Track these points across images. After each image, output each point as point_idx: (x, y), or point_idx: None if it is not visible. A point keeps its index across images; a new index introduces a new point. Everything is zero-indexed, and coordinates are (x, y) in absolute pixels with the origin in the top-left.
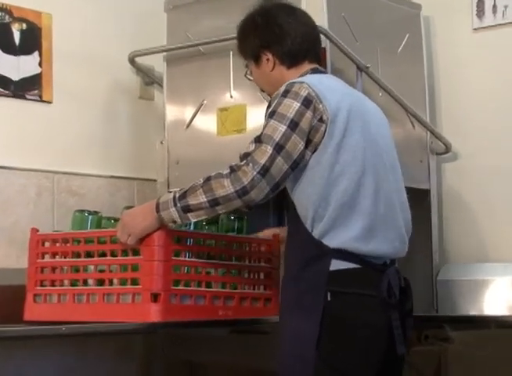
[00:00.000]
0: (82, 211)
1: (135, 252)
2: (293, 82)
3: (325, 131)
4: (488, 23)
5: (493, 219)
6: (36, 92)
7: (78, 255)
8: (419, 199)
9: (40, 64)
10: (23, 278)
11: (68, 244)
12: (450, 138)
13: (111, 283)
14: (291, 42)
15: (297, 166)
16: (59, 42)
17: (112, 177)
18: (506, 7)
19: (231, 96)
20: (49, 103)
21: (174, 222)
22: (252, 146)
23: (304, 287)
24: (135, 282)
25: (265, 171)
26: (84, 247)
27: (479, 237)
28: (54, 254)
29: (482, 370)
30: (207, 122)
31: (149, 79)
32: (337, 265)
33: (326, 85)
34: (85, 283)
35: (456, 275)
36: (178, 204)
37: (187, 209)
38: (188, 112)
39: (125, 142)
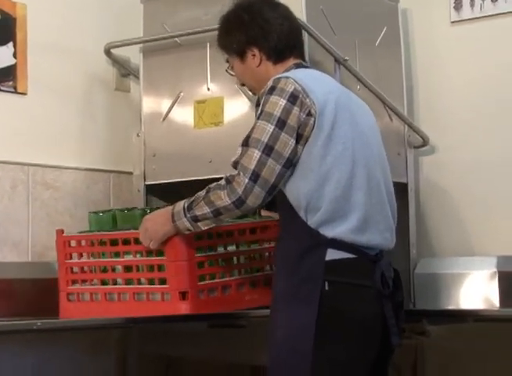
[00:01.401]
0: (96, 212)
1: (160, 253)
2: (279, 78)
3: (314, 124)
4: (466, 17)
5: (471, 213)
6: (10, 83)
7: (105, 255)
8: (396, 192)
9: (14, 55)
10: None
11: (95, 245)
12: (428, 131)
13: (140, 282)
14: (278, 38)
15: (292, 163)
16: (34, 33)
17: (88, 170)
18: (483, 0)
19: (208, 89)
20: (24, 94)
21: (189, 230)
22: (239, 151)
23: (301, 278)
24: (162, 281)
25: (255, 176)
26: (110, 248)
27: (457, 231)
28: (81, 255)
29: (459, 364)
30: (183, 115)
31: (125, 71)
32: (332, 254)
33: (311, 79)
34: (115, 281)
35: (433, 268)
36: (188, 215)
37: (195, 219)
38: (164, 104)
39: (101, 134)
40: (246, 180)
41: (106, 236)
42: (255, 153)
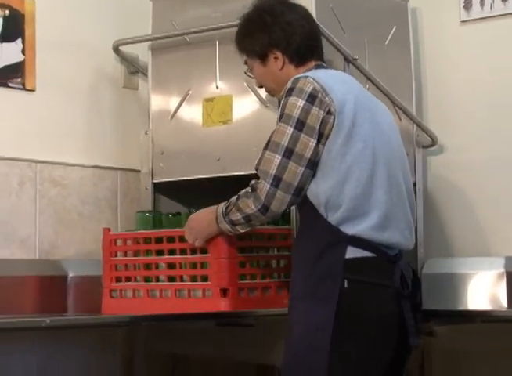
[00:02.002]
0: (143, 211)
1: (203, 251)
2: (298, 78)
3: (333, 122)
4: (475, 16)
5: (479, 213)
6: (19, 80)
7: (149, 253)
8: None
9: (23, 52)
10: (3, 269)
11: (140, 243)
12: (437, 131)
13: (182, 279)
14: (300, 40)
15: (314, 163)
16: (43, 30)
17: (95, 167)
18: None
19: (217, 87)
20: (32, 91)
21: (230, 231)
22: (259, 156)
23: (320, 275)
24: (204, 278)
25: (277, 181)
26: (155, 246)
27: (465, 231)
28: (125, 252)
29: (467, 365)
30: (192, 113)
31: (133, 68)
32: (352, 252)
33: (331, 78)
34: (157, 279)
35: (441, 269)
36: (226, 219)
37: (232, 223)
38: (173, 102)
39: (109, 131)
40: (268, 186)
41: (152, 235)
42: (275, 158)
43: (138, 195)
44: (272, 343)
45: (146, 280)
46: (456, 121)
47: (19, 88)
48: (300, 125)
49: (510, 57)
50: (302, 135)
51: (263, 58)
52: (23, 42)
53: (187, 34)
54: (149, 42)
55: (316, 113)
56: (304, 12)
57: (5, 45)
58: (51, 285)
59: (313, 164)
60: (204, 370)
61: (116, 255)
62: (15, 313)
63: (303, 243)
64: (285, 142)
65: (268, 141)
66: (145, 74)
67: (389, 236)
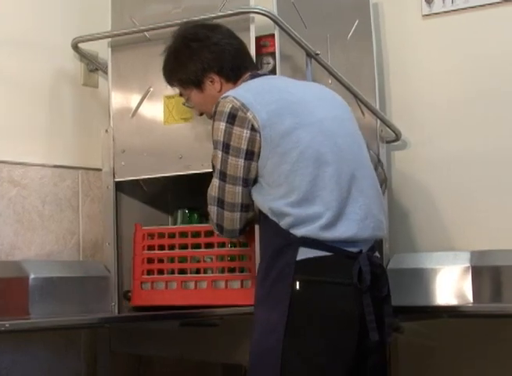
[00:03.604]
0: (182, 208)
1: (244, 244)
2: (220, 100)
3: (260, 139)
4: (437, 10)
5: (444, 208)
6: None
7: (185, 247)
8: None
9: None
10: None
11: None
12: (400, 125)
13: (219, 271)
14: (232, 57)
15: (250, 180)
16: None
17: (56, 166)
18: None
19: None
20: None
21: None
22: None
23: (274, 277)
24: (241, 270)
25: (220, 202)
26: (191, 240)
27: (430, 226)
28: (160, 246)
29: (433, 360)
30: (153, 110)
31: (93, 66)
32: (305, 253)
33: (255, 90)
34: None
35: (406, 264)
36: None
37: None
38: (134, 100)
39: (69, 130)
40: (215, 208)
41: (188, 229)
42: (215, 182)
43: (100, 194)
44: (237, 342)
45: (181, 272)
46: (420, 116)
47: None
48: (226, 148)
49: (471, 51)
50: (230, 157)
51: (199, 85)
52: None
53: (146, 30)
54: (109, 39)
55: (238, 133)
56: (226, 31)
57: None
58: (12, 287)
59: (248, 181)
60: (170, 371)
61: (147, 249)
62: None
63: (261, 247)
64: (218, 165)
65: (212, 166)
66: (104, 72)
67: (342, 231)
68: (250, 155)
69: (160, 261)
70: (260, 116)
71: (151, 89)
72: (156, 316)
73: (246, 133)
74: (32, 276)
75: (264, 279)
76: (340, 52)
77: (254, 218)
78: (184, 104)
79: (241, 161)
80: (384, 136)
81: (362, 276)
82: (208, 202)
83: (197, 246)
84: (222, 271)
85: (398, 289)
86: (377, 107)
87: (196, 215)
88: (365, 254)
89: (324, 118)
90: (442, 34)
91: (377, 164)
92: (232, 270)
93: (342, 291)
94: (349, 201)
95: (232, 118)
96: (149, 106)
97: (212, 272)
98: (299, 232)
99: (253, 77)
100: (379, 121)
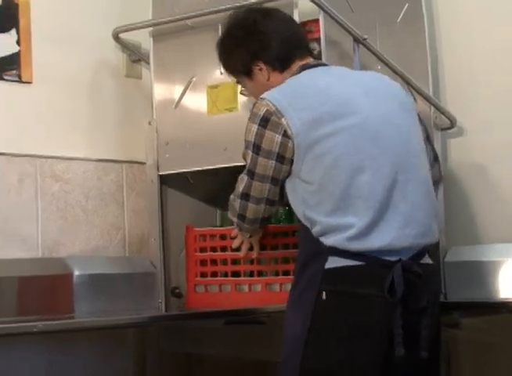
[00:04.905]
0: None
1: (296, 246)
2: (258, 100)
3: (293, 146)
4: None
5: (504, 197)
6: (14, 72)
7: (238, 248)
8: None
9: (18, 43)
10: (5, 269)
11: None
12: (455, 112)
13: (273, 273)
14: (278, 46)
15: (280, 180)
16: (38, 19)
17: (99, 160)
18: None
19: (221, 73)
20: (29, 83)
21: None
22: None
23: (304, 284)
24: None
25: (246, 196)
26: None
27: (489, 216)
28: (212, 248)
29: (493, 357)
30: (196, 101)
31: (135, 56)
32: (334, 262)
33: (293, 94)
34: (245, 274)
35: (464, 256)
36: None
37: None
38: (176, 90)
39: (112, 123)
40: (239, 200)
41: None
42: (244, 177)
43: (145, 188)
44: None
45: (234, 275)
46: (476, 101)
47: (14, 81)
48: (257, 149)
49: None
50: (260, 158)
51: (248, 73)
52: (18, 33)
53: (188, 18)
54: (150, 29)
55: (270, 136)
56: (279, 16)
57: None
58: (56, 284)
59: (277, 181)
60: (220, 370)
61: (200, 251)
62: (20, 315)
63: (298, 245)
64: (248, 163)
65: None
66: (147, 62)
67: (374, 241)
68: (281, 159)
69: (213, 262)
70: (293, 123)
71: (194, 79)
72: (204, 314)
73: (277, 138)
74: (77, 272)
75: (295, 284)
76: (390, 36)
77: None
78: (241, 92)
79: (271, 162)
80: (439, 123)
81: (394, 287)
82: (234, 193)
83: (249, 248)
84: (276, 273)
85: (456, 283)
86: (431, 93)
87: None
88: (401, 263)
89: (368, 117)
90: (499, 14)
91: (433, 162)
92: (286, 273)
93: (369, 303)
94: (388, 208)
95: (265, 121)
96: (193, 96)
97: (266, 275)
98: (327, 241)
99: (302, 68)
100: (433, 107)
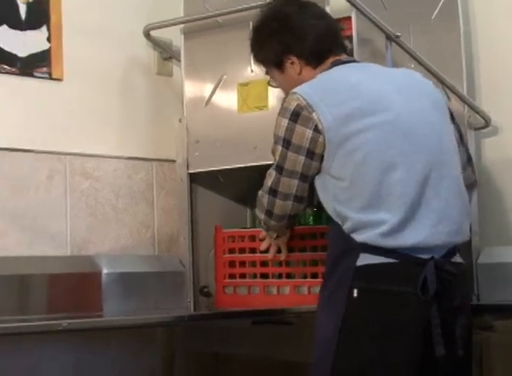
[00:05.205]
0: None
1: (324, 248)
2: (289, 94)
3: (324, 141)
4: None
5: None
6: (45, 69)
7: (266, 250)
8: None
9: (48, 39)
10: (34, 267)
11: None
12: (490, 111)
13: (302, 276)
14: (313, 40)
15: (310, 177)
16: (69, 16)
17: (129, 158)
18: None
19: (252, 70)
20: (60, 80)
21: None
22: None
23: (334, 283)
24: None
25: (273, 191)
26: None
27: None
28: (241, 249)
29: None
30: (227, 98)
31: (166, 54)
32: (366, 259)
33: (325, 89)
34: (273, 276)
35: (498, 258)
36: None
37: (265, 230)
38: (207, 88)
39: (142, 121)
40: (267, 195)
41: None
42: (273, 172)
43: (175, 186)
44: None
45: (263, 276)
46: (511, 100)
47: (45, 78)
48: (286, 144)
49: None
50: (289, 153)
51: (279, 65)
52: (49, 29)
53: (219, 15)
54: (181, 26)
55: (301, 131)
56: (315, 10)
57: (29, 32)
58: (85, 282)
59: (306, 177)
60: (248, 370)
61: (228, 252)
62: (49, 313)
63: (328, 242)
64: (276, 159)
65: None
66: (178, 60)
67: (408, 238)
68: (311, 154)
69: (242, 264)
70: (325, 118)
71: (224, 77)
72: (232, 313)
73: (308, 133)
74: (105, 271)
75: (325, 283)
76: (424, 34)
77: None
78: (269, 83)
79: (301, 158)
80: (473, 123)
81: (427, 285)
82: (262, 189)
83: (278, 250)
84: (305, 276)
85: (489, 285)
86: (465, 92)
87: None
88: (434, 261)
89: (400, 114)
90: None
91: (467, 163)
92: (314, 276)
93: (403, 300)
94: (421, 205)
95: (295, 116)
96: (223, 94)
97: (294, 277)
98: (360, 237)
99: (334, 64)
100: (466, 106)
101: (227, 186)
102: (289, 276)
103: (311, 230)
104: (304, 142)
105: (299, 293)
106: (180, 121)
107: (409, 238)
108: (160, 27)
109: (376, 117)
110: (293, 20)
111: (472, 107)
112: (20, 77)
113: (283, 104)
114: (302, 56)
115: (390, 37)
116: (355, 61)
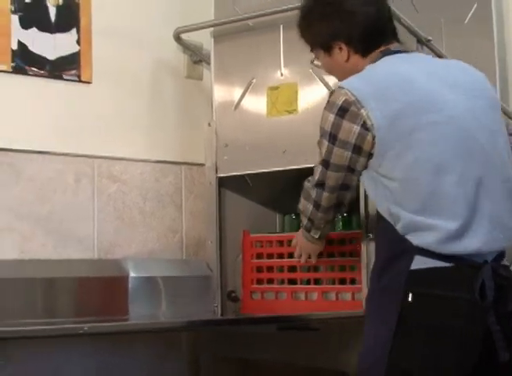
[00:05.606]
0: (290, 214)
1: (353, 254)
2: (335, 89)
3: (373, 140)
4: None
5: None
6: (74, 71)
7: (293, 256)
8: None
9: (78, 42)
10: (61, 270)
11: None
12: None
13: (330, 282)
14: (364, 28)
15: (356, 170)
16: (99, 18)
17: (157, 161)
18: None
19: (281, 74)
20: (88, 83)
21: (312, 240)
22: None
23: (385, 287)
24: (353, 281)
25: (321, 184)
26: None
27: None
28: (269, 255)
29: None
30: (256, 102)
31: (196, 57)
32: (421, 262)
33: (375, 83)
34: (301, 281)
35: None
36: (303, 228)
37: (306, 229)
38: (236, 92)
39: (171, 124)
40: (315, 187)
41: (292, 237)
42: (319, 167)
43: (204, 190)
44: (340, 348)
45: (291, 282)
46: None
47: (74, 81)
48: (333, 139)
49: None
50: (335, 148)
51: (327, 49)
52: (78, 32)
53: (249, 18)
54: (212, 29)
55: (348, 127)
56: None
57: (58, 35)
58: (111, 286)
59: (354, 170)
60: (272, 375)
61: (256, 257)
62: (75, 317)
63: (377, 243)
64: (323, 154)
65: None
66: (208, 63)
67: (466, 245)
68: (358, 150)
69: (269, 269)
70: (374, 115)
71: (254, 81)
72: (257, 319)
73: (356, 129)
74: (132, 274)
75: (374, 289)
76: (457, 37)
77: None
78: (312, 62)
79: (347, 153)
80: (508, 129)
81: (485, 291)
82: (309, 182)
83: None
84: (333, 282)
85: None
86: (498, 97)
87: None
88: (490, 265)
89: (454, 115)
90: None
91: None
92: (342, 281)
93: (460, 306)
94: (476, 211)
95: (343, 111)
96: (252, 98)
97: (322, 283)
98: (416, 240)
99: (384, 54)
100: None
101: (256, 191)
102: (317, 281)
103: (340, 235)
104: (350, 138)
105: (327, 299)
106: (209, 124)
107: (465, 245)
108: (190, 31)
109: (427, 115)
110: (344, 5)
111: (506, 113)
112: (49, 80)
113: (330, 98)
114: (351, 44)
115: (421, 41)
116: (405, 51)
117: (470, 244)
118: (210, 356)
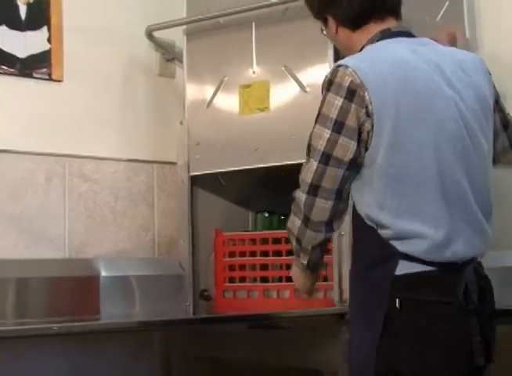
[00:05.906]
0: (262, 212)
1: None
2: (338, 67)
3: (372, 128)
4: None
5: None
6: (45, 70)
7: (267, 253)
8: None
9: (49, 40)
10: (31, 270)
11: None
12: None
13: None
14: (348, 4)
15: (356, 164)
16: (70, 16)
17: (129, 160)
18: None
19: (253, 72)
20: (59, 81)
21: (302, 268)
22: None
23: (368, 291)
24: (325, 279)
25: (314, 189)
26: (273, 247)
27: None
28: (241, 253)
29: None
30: (228, 101)
31: (169, 55)
32: (406, 267)
33: (379, 68)
34: (273, 280)
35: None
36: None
37: (296, 252)
38: (208, 90)
39: (143, 122)
40: (305, 195)
41: (265, 236)
42: (314, 164)
43: (177, 189)
44: (312, 346)
45: (263, 280)
46: None
47: (45, 79)
48: (338, 127)
49: None
50: (341, 137)
51: (322, 20)
52: (49, 30)
53: (221, 16)
54: (184, 27)
55: (355, 111)
56: None
57: (29, 33)
58: (83, 286)
59: (355, 165)
60: (243, 374)
61: (228, 256)
62: (47, 316)
63: (354, 256)
64: (322, 146)
65: (308, 144)
66: (181, 61)
67: (451, 253)
68: (359, 140)
69: (242, 267)
70: (375, 101)
71: (226, 79)
72: (228, 318)
73: (362, 114)
74: (103, 274)
75: (357, 293)
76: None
77: (343, 211)
78: (322, 32)
79: (353, 144)
80: None
81: (469, 294)
82: (301, 191)
83: (279, 253)
84: None
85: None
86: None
87: (276, 217)
88: (472, 266)
89: (448, 117)
90: None
91: (510, 149)
92: None
93: (445, 310)
94: (458, 219)
95: (351, 94)
96: (225, 96)
97: None
98: (402, 247)
99: (383, 35)
100: None
101: (228, 189)
102: (288, 279)
103: None
104: (356, 125)
105: (299, 297)
106: (181, 123)
107: (452, 253)
108: (162, 28)
109: (423, 114)
110: None
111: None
112: (20, 79)
113: (329, 77)
114: (337, 17)
115: None
116: (407, 33)
117: (457, 252)
118: (182, 355)
